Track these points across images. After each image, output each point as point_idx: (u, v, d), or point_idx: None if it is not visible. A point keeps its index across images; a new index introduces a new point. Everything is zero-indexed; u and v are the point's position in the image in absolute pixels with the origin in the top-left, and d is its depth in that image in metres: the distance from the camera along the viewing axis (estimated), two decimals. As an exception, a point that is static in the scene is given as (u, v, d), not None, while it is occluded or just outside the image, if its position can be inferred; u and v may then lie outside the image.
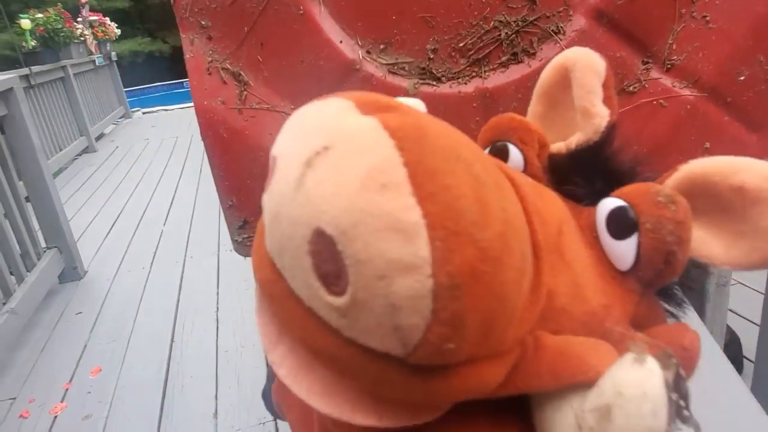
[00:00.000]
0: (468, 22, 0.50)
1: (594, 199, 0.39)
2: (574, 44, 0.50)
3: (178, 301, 2.48)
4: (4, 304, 2.10)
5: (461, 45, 0.51)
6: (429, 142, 0.25)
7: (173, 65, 16.84)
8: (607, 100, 0.45)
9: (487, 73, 0.51)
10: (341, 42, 0.50)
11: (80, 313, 2.44)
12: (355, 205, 0.23)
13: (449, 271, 0.23)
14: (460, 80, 0.51)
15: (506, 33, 0.50)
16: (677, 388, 0.28)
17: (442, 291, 0.23)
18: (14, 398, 1.85)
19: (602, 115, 0.45)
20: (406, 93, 0.51)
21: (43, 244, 2.62)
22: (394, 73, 0.51)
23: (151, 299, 2.51)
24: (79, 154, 5.64)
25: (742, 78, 0.49)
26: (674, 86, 0.49)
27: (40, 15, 5.42)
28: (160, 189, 4.23)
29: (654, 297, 0.40)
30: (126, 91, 8.01)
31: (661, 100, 0.50)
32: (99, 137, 6.35)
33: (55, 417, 1.74)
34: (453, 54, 0.51)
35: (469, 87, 0.51)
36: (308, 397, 0.29)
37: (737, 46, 0.49)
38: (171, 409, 1.74)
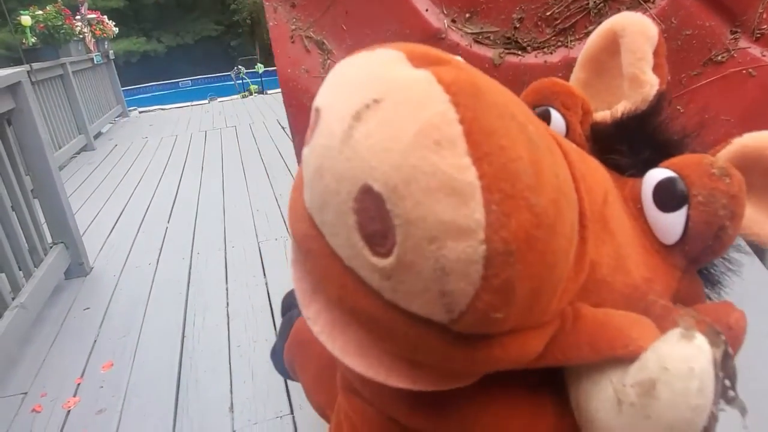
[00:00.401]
0: (556, -9, 0.50)
1: (639, 170, 0.38)
2: (664, 13, 0.49)
3: (187, 296, 2.46)
4: (13, 299, 2.08)
5: (548, 14, 0.50)
6: (484, 99, 0.24)
7: (168, 65, 16.81)
8: (657, 68, 0.44)
9: (573, 43, 0.51)
10: (427, 10, 0.50)
11: (88, 308, 2.42)
12: (408, 161, 0.22)
13: (504, 237, 0.22)
14: (546, 50, 0.51)
15: (594, 2, 0.50)
16: (724, 367, 0.27)
17: (495, 257, 0.22)
18: (26, 393, 1.83)
19: (652, 83, 0.44)
20: (492, 62, 0.51)
21: (49, 240, 2.60)
22: (480, 43, 0.51)
23: (159, 295, 2.49)
24: (78, 152, 5.61)
25: (834, 47, 0.49)
26: (764, 55, 0.50)
27: (40, 12, 5.40)
28: (162, 187, 4.22)
29: (696, 274, 0.39)
30: (123, 90, 7.98)
31: (750, 69, 0.50)
32: (97, 135, 6.32)
33: (69, 411, 1.73)
34: (539, 23, 0.51)
35: (555, 57, 0.51)
36: (342, 356, 0.28)
37: (830, 15, 0.49)
38: (186, 402, 1.73)
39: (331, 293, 0.27)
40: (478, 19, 0.51)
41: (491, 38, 0.51)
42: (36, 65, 4.82)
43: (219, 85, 11.85)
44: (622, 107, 0.43)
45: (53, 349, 2.09)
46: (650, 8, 0.50)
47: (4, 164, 2.30)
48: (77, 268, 2.71)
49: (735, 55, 0.50)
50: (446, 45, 0.51)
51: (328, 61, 0.51)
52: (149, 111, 8.24)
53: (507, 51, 0.51)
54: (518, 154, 0.23)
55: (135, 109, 8.26)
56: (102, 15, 7.42)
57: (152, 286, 2.62)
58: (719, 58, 0.50)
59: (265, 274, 2.60)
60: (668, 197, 0.35)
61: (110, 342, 2.11)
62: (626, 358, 0.28)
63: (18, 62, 5.26)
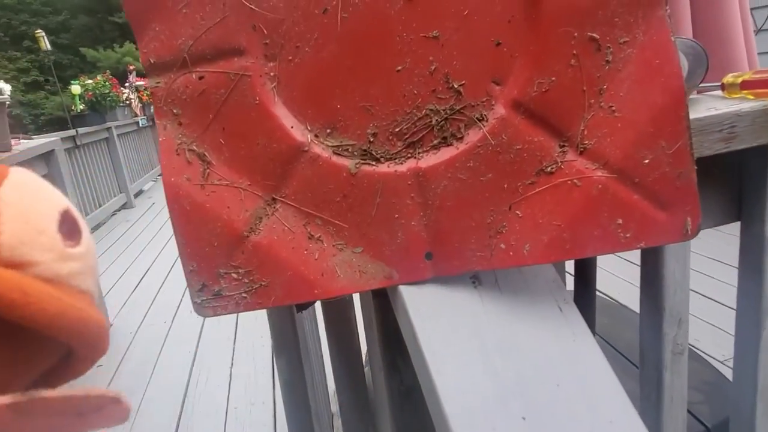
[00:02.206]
0: (403, 111, 0.57)
1: None
2: (495, 130, 0.55)
3: (195, 355, 2.54)
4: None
5: (397, 130, 0.57)
6: None
7: (214, 125, 17.63)
8: None
9: (420, 155, 0.57)
10: (292, 127, 0.57)
11: (101, 365, 2.51)
12: None
13: None
14: (396, 161, 0.57)
15: (437, 120, 0.56)
16: None
17: None
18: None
19: None
20: (348, 171, 0.57)
21: (72, 297, 2.75)
22: (339, 154, 0.57)
23: (169, 354, 2.58)
24: (118, 210, 5.92)
25: (646, 161, 0.53)
26: (587, 168, 0.54)
27: (89, 81, 5.85)
28: (189, 244, 4.39)
29: None
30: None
31: (575, 180, 0.54)
32: (138, 194, 6.67)
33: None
34: (391, 138, 0.57)
35: (404, 167, 0.57)
36: None
37: (641, 132, 0.53)
38: (176, 465, 1.77)
39: None
40: (338, 134, 0.58)
41: (349, 150, 0.58)
42: (82, 130, 5.19)
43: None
44: None
45: (60, 405, 2.17)
46: (483, 126, 0.56)
47: (32, 227, 2.47)
48: (96, 325, 2.83)
49: (563, 167, 0.55)
50: (309, 156, 0.57)
51: (208, 171, 0.58)
52: (189, 170, 8.61)
53: (363, 162, 0.57)
54: None
55: (176, 168, 8.64)
56: (150, 81, 7.93)
57: (164, 345, 2.70)
58: (549, 169, 0.55)
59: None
60: None
61: (113, 400, 2.18)
62: None
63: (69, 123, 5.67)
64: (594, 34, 0.54)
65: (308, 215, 0.60)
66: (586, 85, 0.55)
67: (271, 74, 0.59)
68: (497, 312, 0.60)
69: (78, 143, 5.09)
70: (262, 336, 2.71)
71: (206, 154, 0.59)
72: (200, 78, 0.58)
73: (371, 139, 0.59)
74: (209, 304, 0.61)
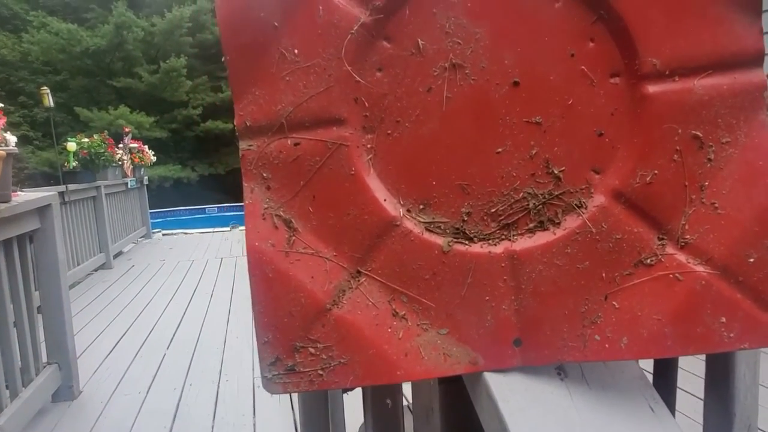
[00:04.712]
0: (500, 192, 0.56)
1: None
2: (595, 218, 0.55)
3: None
4: (-7, 420, 2.03)
5: (493, 211, 0.56)
6: None
7: (199, 192, 17.72)
8: None
9: (515, 237, 0.56)
10: (385, 200, 0.56)
11: (64, 439, 2.33)
12: None
13: None
14: (490, 241, 0.56)
15: (534, 203, 0.56)
16: None
17: None
18: None
19: None
20: (440, 249, 0.56)
21: (44, 359, 2.59)
22: (431, 231, 0.56)
23: (142, 429, 2.40)
24: (95, 270, 5.74)
25: (751, 260, 0.53)
26: (688, 262, 0.54)
27: (86, 139, 5.86)
28: (168, 312, 4.24)
29: None
30: (151, 212, 8.35)
31: (677, 274, 0.54)
32: (117, 255, 6.50)
33: None
34: (485, 218, 0.56)
35: (499, 248, 0.56)
36: None
37: (745, 231, 0.53)
38: None
39: None
40: (431, 211, 0.57)
41: (441, 228, 0.57)
42: (72, 186, 5.13)
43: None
44: None
45: (22, 480, 1.98)
46: (582, 213, 0.56)
47: (17, 280, 2.37)
48: (66, 391, 2.65)
49: (663, 260, 0.54)
50: (400, 231, 0.56)
51: (294, 238, 0.56)
52: (172, 234, 8.51)
53: (455, 240, 0.56)
54: None
55: (159, 231, 8.54)
56: (144, 144, 7.99)
57: (137, 418, 2.53)
58: (648, 261, 0.54)
59: (254, 414, 2.51)
60: None
61: (80, 478, 2.00)
62: None
63: (57, 180, 5.61)
64: (697, 132, 0.56)
65: (394, 291, 0.58)
66: (688, 181, 0.56)
67: (368, 146, 0.58)
68: (588, 409, 0.57)
69: (66, 199, 5.01)
70: (244, 414, 2.56)
71: (293, 220, 0.58)
72: (296, 144, 0.57)
73: (465, 218, 0.58)
74: (280, 380, 0.57)
